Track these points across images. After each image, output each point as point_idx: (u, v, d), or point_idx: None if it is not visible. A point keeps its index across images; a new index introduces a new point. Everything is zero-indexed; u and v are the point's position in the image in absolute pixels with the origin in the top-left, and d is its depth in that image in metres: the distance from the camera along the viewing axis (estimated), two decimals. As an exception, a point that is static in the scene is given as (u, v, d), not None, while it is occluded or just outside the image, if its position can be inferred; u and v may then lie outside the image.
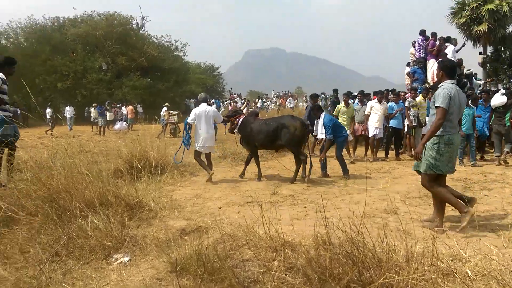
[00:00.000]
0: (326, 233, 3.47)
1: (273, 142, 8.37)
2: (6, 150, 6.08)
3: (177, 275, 3.50)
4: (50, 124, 21.36)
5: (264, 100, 37.07)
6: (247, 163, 8.87)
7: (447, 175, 5.16)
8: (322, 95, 21.39)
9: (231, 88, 46.99)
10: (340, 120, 10.68)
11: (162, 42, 39.22)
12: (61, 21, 36.46)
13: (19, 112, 17.36)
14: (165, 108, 19.97)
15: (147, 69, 35.01)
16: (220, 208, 6.00)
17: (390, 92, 13.05)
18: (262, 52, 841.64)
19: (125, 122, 23.88)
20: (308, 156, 8.21)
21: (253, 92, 69.53)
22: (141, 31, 38.36)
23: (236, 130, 8.82)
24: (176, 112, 19.71)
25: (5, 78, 6.50)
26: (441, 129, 4.77)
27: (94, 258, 3.96)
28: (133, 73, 34.13)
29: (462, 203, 4.91)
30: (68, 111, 24.27)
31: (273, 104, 35.69)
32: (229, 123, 8.96)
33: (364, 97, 12.34)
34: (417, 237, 3.69)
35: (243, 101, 30.20)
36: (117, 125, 23.61)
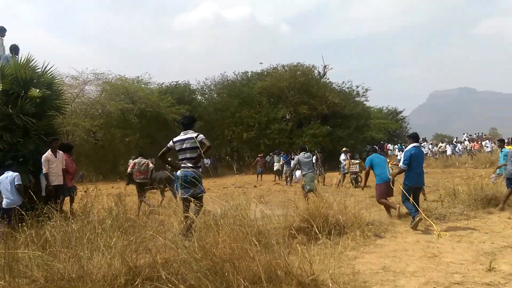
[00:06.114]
0: None
1: None
2: (192, 205, 6.24)
3: None
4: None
5: (451, 143, 33.67)
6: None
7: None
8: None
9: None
10: None
11: (343, 88, 39.11)
12: (249, 75, 39.29)
13: (210, 163, 18.50)
14: (342, 155, 18.87)
15: (328, 116, 34.96)
16: (418, 290, 4.65)
17: None
18: (449, 93, 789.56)
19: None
20: None
21: (439, 135, 65.25)
22: (322, 79, 38.84)
23: None
24: (358, 161, 18.49)
25: None
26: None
27: None
28: (313, 121, 34.40)
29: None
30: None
31: (457, 148, 32.22)
32: None
33: None
34: None
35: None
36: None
